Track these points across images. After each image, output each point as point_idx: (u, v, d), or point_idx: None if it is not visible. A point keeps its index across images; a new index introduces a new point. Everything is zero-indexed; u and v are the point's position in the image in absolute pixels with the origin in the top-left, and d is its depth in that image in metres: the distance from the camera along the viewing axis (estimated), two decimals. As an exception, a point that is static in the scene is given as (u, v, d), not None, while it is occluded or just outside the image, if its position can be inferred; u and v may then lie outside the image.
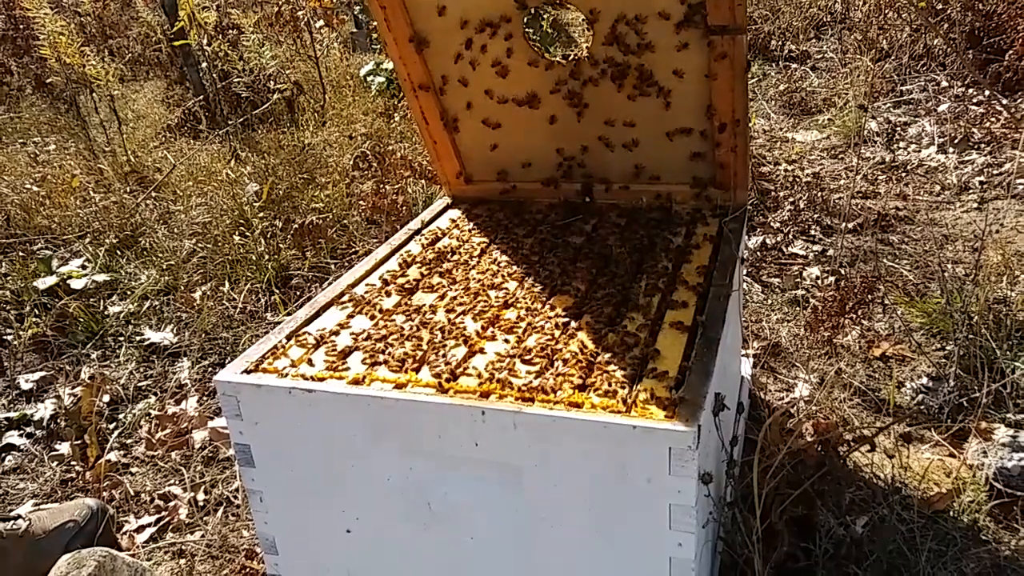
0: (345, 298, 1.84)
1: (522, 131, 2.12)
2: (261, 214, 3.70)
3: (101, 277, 3.44)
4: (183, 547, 2.09)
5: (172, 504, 2.25)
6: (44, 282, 3.36)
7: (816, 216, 3.64)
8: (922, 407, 2.35)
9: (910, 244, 3.43)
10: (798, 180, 3.99)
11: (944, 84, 5.14)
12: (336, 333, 1.68)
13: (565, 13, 6.24)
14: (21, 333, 3.11)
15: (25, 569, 1.95)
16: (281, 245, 3.51)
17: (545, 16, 5.37)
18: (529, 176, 2.20)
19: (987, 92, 4.78)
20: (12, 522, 1.99)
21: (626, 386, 1.40)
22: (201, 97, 5.40)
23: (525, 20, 1.97)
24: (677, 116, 1.91)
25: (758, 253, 3.38)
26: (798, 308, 2.96)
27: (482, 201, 2.35)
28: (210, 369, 2.88)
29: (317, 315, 1.77)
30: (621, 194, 2.11)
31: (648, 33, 1.79)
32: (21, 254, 3.74)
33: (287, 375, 1.53)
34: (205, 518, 2.18)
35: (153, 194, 4.22)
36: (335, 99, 5.31)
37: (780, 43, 6.25)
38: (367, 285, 1.90)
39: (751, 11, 6.34)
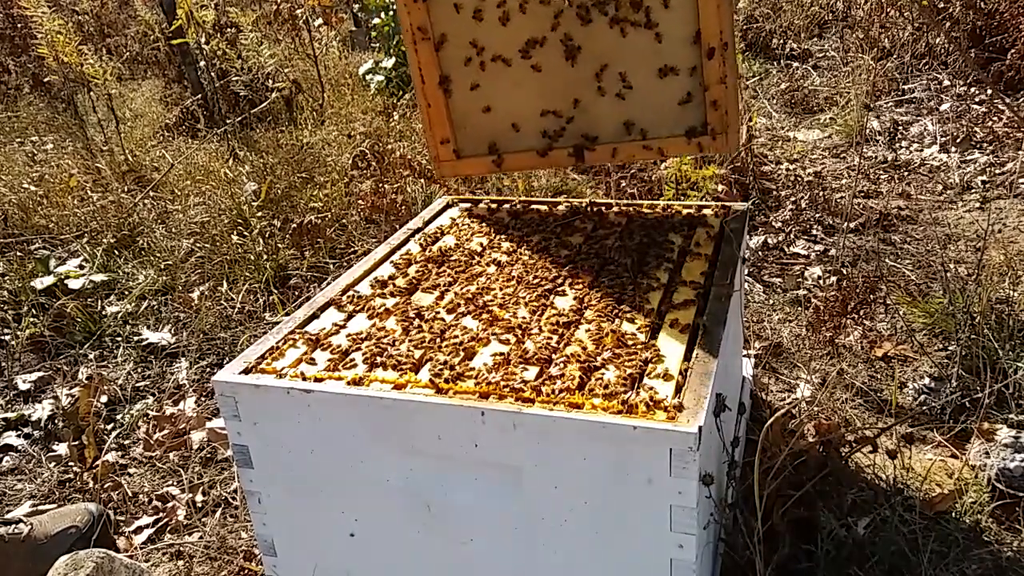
0: (344, 298, 1.82)
1: (514, 89, 2.05)
2: (259, 213, 3.69)
3: (99, 277, 3.43)
4: (181, 548, 2.08)
5: (170, 505, 2.24)
6: (42, 282, 3.35)
7: (818, 215, 3.63)
8: (924, 408, 2.34)
9: (912, 244, 3.42)
10: (800, 179, 3.98)
11: (946, 83, 5.13)
12: (335, 333, 1.67)
13: None
14: (19, 333, 3.10)
15: (25, 573, 1.94)
16: (280, 245, 3.50)
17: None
18: (519, 144, 2.12)
19: (989, 91, 4.77)
20: (14, 526, 1.98)
21: (627, 387, 1.39)
22: (199, 96, 5.39)
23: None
24: (666, 51, 1.89)
25: (759, 253, 3.37)
26: (800, 308, 2.95)
27: (476, 194, 2.34)
28: (208, 369, 2.87)
29: (316, 315, 1.76)
30: (612, 154, 2.03)
31: None
32: (19, 254, 3.73)
33: (286, 375, 1.52)
34: (203, 519, 2.17)
35: (151, 193, 4.20)
36: (334, 98, 5.30)
37: (782, 42, 6.24)
38: (366, 285, 1.89)
39: (752, 10, 6.33)
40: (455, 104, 2.13)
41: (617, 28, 1.89)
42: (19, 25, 6.35)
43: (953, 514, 1.94)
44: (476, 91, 2.08)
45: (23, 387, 2.86)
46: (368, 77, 5.52)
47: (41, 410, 2.71)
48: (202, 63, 5.38)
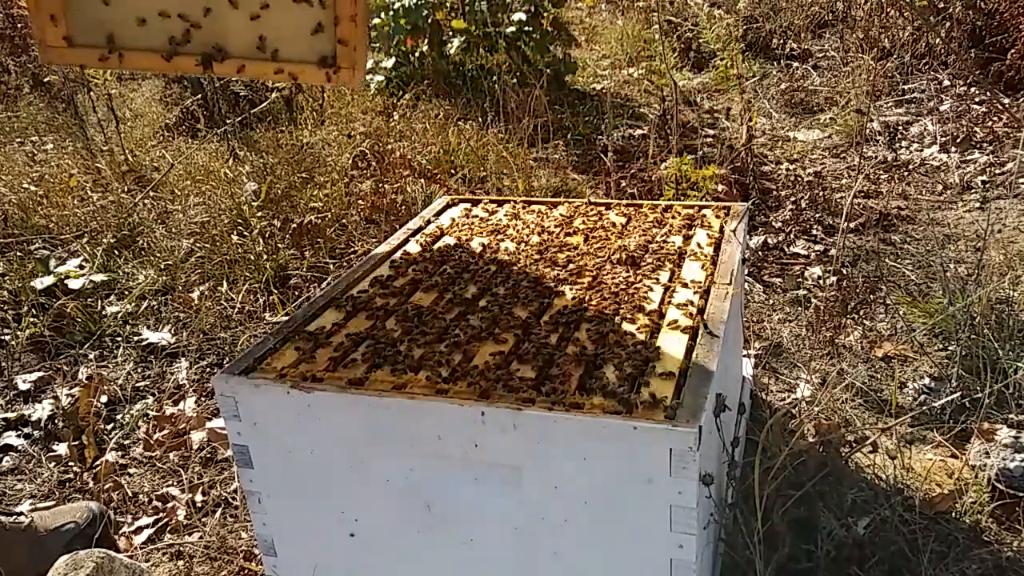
0: (344, 298, 1.82)
1: None
2: (259, 213, 3.69)
3: (99, 277, 3.42)
4: (181, 548, 2.08)
5: (170, 505, 2.24)
6: (42, 282, 3.35)
7: (818, 215, 3.63)
8: (924, 408, 2.34)
9: (912, 244, 3.42)
10: (800, 179, 3.98)
11: (946, 83, 5.13)
12: (335, 333, 1.67)
13: (565, 11, 6.23)
14: (19, 333, 3.10)
15: (26, 566, 1.94)
16: (279, 245, 3.50)
17: (545, 16, 5.36)
18: (142, 41, 1.92)
19: (989, 91, 4.76)
20: (15, 516, 1.98)
21: (627, 387, 1.39)
22: (199, 96, 5.38)
23: None
24: None
25: (760, 253, 3.37)
26: (800, 308, 2.95)
27: (476, 194, 2.33)
28: (208, 369, 2.87)
29: (316, 315, 1.76)
30: (239, 70, 1.94)
31: None
32: (18, 254, 3.73)
33: (285, 375, 1.52)
34: (203, 519, 2.17)
35: (151, 193, 4.20)
36: (334, 98, 5.30)
37: (781, 42, 6.24)
38: (366, 285, 1.89)
39: (752, 10, 6.33)
40: None
41: None
42: (19, 25, 6.34)
43: (953, 514, 1.94)
44: None
45: (23, 387, 2.86)
46: (368, 77, 5.52)
47: (41, 410, 2.71)
48: (202, 63, 5.37)
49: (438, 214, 2.35)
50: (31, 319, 3.17)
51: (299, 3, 1.88)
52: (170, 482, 2.34)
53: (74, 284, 3.37)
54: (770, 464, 1.68)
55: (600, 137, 4.69)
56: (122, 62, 1.94)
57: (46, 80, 5.59)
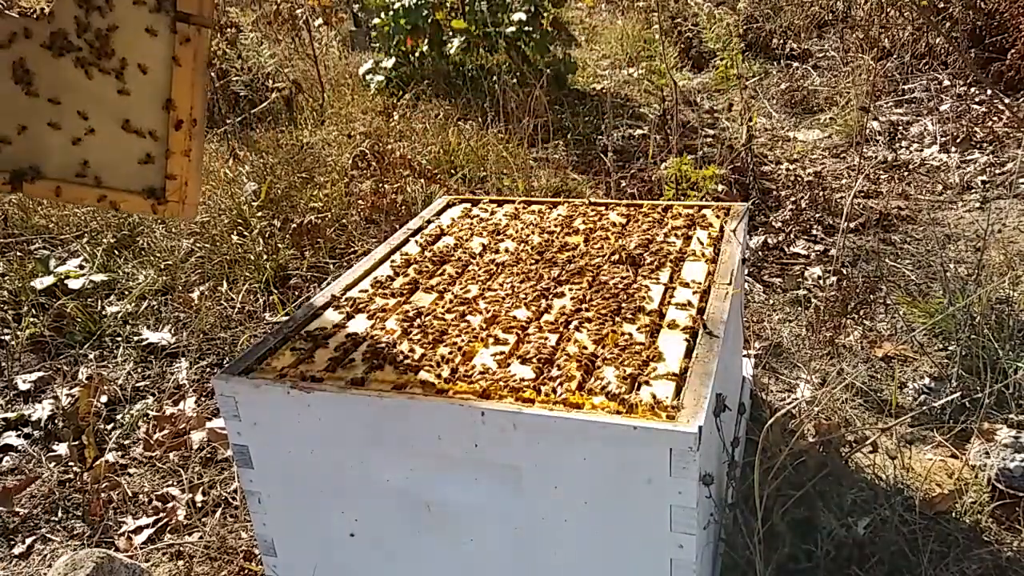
0: (344, 298, 1.82)
1: None
2: (259, 213, 3.69)
3: (99, 277, 3.42)
4: (181, 548, 2.08)
5: (170, 505, 2.24)
6: (42, 282, 3.35)
7: (818, 215, 3.62)
8: (924, 408, 2.34)
9: (912, 244, 3.42)
10: (800, 179, 3.98)
11: (946, 83, 5.13)
12: (335, 333, 1.67)
13: (565, 11, 6.23)
14: (19, 333, 3.10)
15: None
16: (279, 245, 3.50)
17: (545, 16, 5.36)
18: None
19: (989, 91, 4.76)
20: None
21: (627, 387, 1.39)
22: (200, 96, 5.37)
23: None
24: (134, 108, 1.76)
25: (760, 253, 3.37)
26: (800, 308, 2.95)
27: (476, 194, 2.33)
28: (208, 369, 2.87)
29: (316, 315, 1.76)
30: (56, 192, 1.74)
31: (117, 8, 1.67)
32: (19, 254, 3.73)
33: (286, 376, 1.52)
34: (203, 519, 2.17)
35: (152, 193, 4.19)
36: (334, 98, 5.30)
37: (782, 41, 6.24)
38: (366, 285, 1.89)
39: (752, 10, 6.33)
40: None
41: (83, 69, 1.69)
42: (19, 25, 6.33)
43: (953, 514, 1.94)
44: None
45: (23, 387, 2.86)
46: (368, 77, 5.52)
47: (41, 410, 2.71)
48: (202, 63, 5.37)
49: (438, 214, 2.35)
50: (31, 319, 3.17)
51: (129, 133, 1.76)
52: (170, 482, 2.34)
53: (74, 284, 3.37)
54: (770, 464, 1.68)
55: (600, 137, 4.69)
56: None
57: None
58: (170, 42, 1.72)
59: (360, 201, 3.79)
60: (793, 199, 3.73)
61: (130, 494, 2.29)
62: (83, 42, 1.67)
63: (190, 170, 1.81)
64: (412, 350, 1.56)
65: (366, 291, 1.85)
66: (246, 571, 1.98)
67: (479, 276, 1.87)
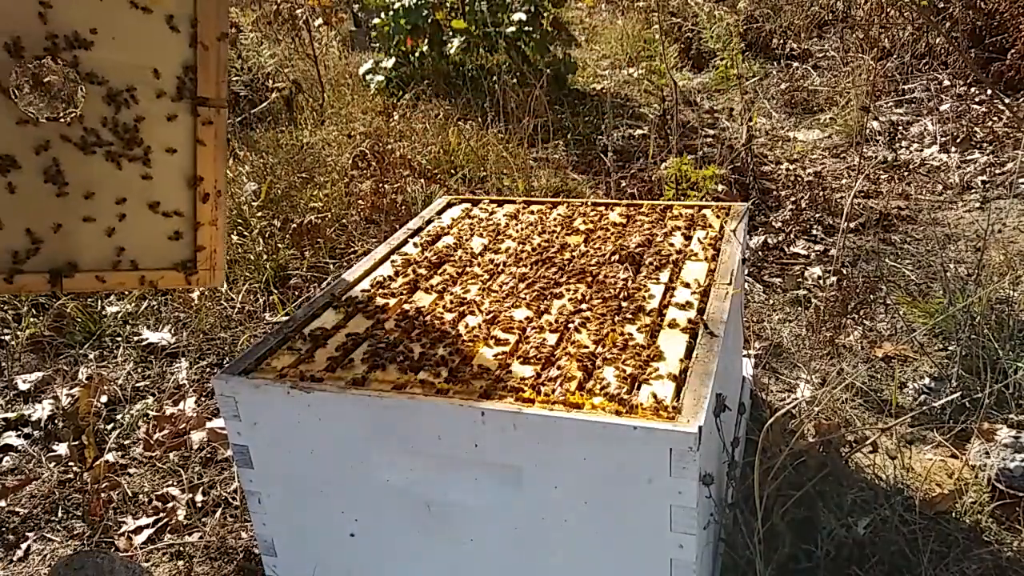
0: (344, 298, 1.82)
1: None
2: (259, 213, 3.69)
3: (99, 277, 3.42)
4: (181, 548, 2.08)
5: (170, 505, 2.24)
6: (42, 282, 3.34)
7: (818, 215, 3.62)
8: (924, 408, 2.34)
9: (912, 244, 3.42)
10: (800, 179, 3.98)
11: (946, 83, 5.13)
12: (335, 333, 1.67)
13: (565, 11, 6.24)
14: (19, 333, 3.10)
15: None
16: (279, 245, 3.50)
17: (545, 16, 5.36)
18: None
19: (989, 91, 4.76)
20: None
21: (627, 387, 1.39)
22: (200, 96, 5.37)
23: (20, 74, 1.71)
24: (160, 190, 1.86)
25: (760, 253, 3.37)
26: (800, 308, 2.95)
27: (476, 194, 2.33)
28: (208, 369, 2.87)
29: (316, 315, 1.76)
30: (99, 281, 1.82)
31: (141, 101, 1.78)
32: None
33: (286, 376, 1.52)
34: (203, 519, 2.17)
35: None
36: (334, 98, 5.30)
37: (781, 42, 6.24)
38: (366, 285, 1.89)
39: (752, 11, 6.33)
40: None
41: (113, 162, 1.78)
42: None
43: (953, 514, 1.94)
44: None
45: (23, 387, 2.86)
46: (368, 77, 5.52)
47: (41, 410, 2.71)
48: (202, 63, 5.37)
49: (438, 214, 2.35)
50: (31, 319, 3.17)
51: (157, 214, 1.85)
52: (170, 482, 2.34)
53: (74, 284, 3.37)
54: (770, 464, 1.68)
55: (600, 137, 4.69)
56: None
57: (45, 80, 5.58)
58: (190, 125, 1.84)
59: (360, 201, 3.79)
60: (793, 199, 3.73)
61: (130, 494, 2.29)
62: (113, 136, 1.76)
63: (217, 238, 1.93)
64: (412, 350, 1.56)
65: (366, 291, 1.85)
66: (246, 571, 1.98)
67: (479, 276, 1.87)
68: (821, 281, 3.09)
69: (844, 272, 3.11)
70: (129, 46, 1.74)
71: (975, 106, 4.75)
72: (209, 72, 1.83)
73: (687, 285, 1.75)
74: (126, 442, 2.55)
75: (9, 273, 1.71)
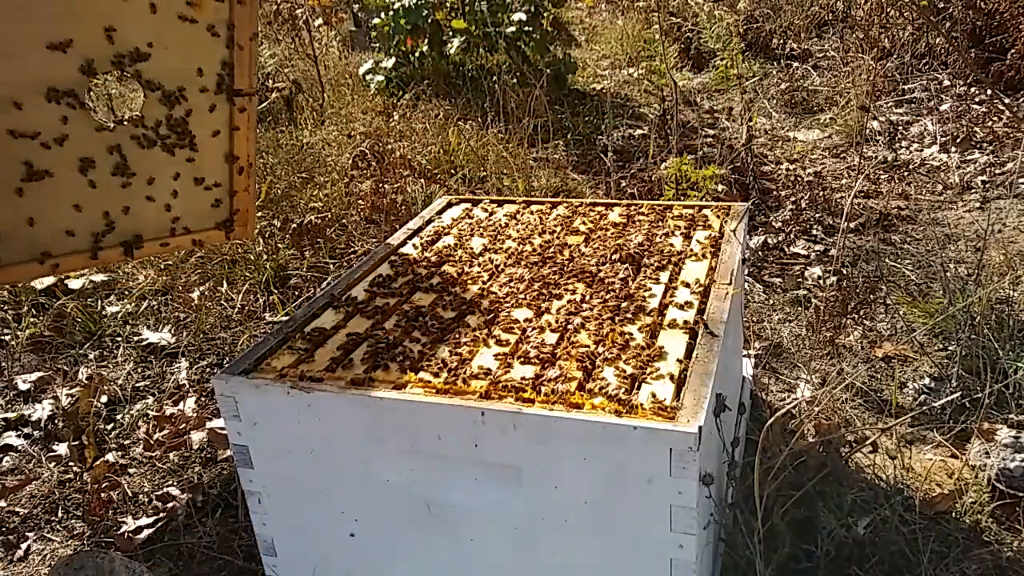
0: (344, 298, 1.82)
1: (68, 200, 2.00)
2: (259, 213, 3.69)
3: (99, 277, 3.42)
4: (181, 548, 2.08)
5: (170, 505, 2.24)
6: (42, 282, 3.35)
7: (818, 215, 3.62)
8: (924, 408, 2.34)
9: (912, 244, 3.42)
10: (800, 179, 3.98)
11: (946, 83, 5.13)
12: (335, 333, 1.67)
13: (565, 11, 6.24)
14: (19, 333, 3.10)
15: None
16: (279, 245, 3.50)
17: (545, 16, 5.36)
18: (71, 246, 2.04)
19: (989, 91, 4.77)
20: None
21: (627, 387, 1.39)
22: (200, 96, 5.38)
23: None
24: (203, 166, 2.20)
25: (760, 253, 3.37)
26: (800, 308, 2.95)
27: (476, 194, 2.34)
28: (208, 370, 2.87)
29: (315, 315, 1.76)
30: (162, 246, 2.21)
31: (189, 98, 2.10)
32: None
33: (286, 376, 1.52)
34: (203, 519, 2.17)
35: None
36: (334, 98, 5.30)
37: (781, 42, 6.24)
38: (366, 285, 1.89)
39: (752, 10, 6.33)
40: None
41: (168, 151, 2.12)
42: None
43: (953, 514, 1.94)
44: (23, 199, 1.94)
45: (23, 387, 2.86)
46: (368, 77, 5.52)
47: (41, 410, 2.71)
48: (202, 63, 5.38)
49: (438, 214, 2.35)
50: (31, 319, 3.17)
51: (200, 187, 2.21)
52: (170, 482, 2.34)
53: (74, 284, 3.37)
54: (770, 464, 1.68)
55: (600, 137, 4.69)
56: (60, 268, 2.05)
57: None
58: (227, 111, 2.19)
59: (360, 201, 3.79)
60: (793, 199, 3.73)
61: (130, 494, 2.29)
62: (168, 130, 2.11)
63: (249, 201, 2.34)
64: (412, 350, 1.56)
65: (366, 291, 1.85)
66: (246, 571, 1.98)
67: (479, 276, 1.87)
68: (821, 281, 3.09)
69: (844, 272, 3.11)
70: (179, 53, 2.05)
71: (975, 106, 4.75)
72: (243, 67, 2.16)
73: (687, 285, 1.75)
74: (126, 442, 2.55)
75: (93, 251, 2.06)
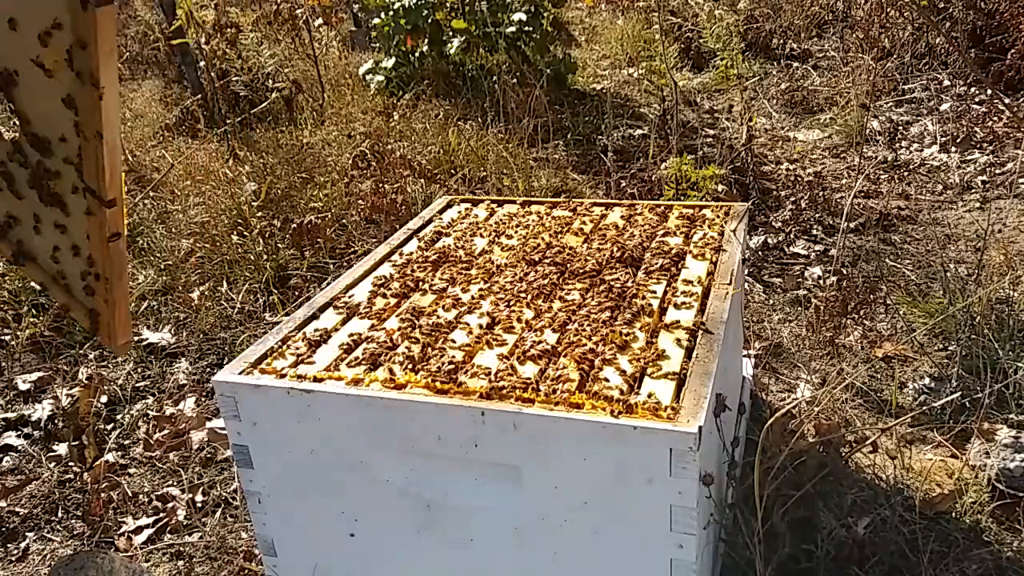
0: (344, 298, 1.82)
1: None
2: (259, 214, 3.69)
3: (99, 277, 3.42)
4: (181, 548, 2.08)
5: (170, 505, 2.24)
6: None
7: (818, 215, 3.62)
8: (924, 408, 2.34)
9: (912, 244, 3.42)
10: (800, 179, 3.98)
11: (946, 83, 5.12)
12: (335, 334, 1.67)
13: (565, 11, 6.23)
14: (19, 333, 3.10)
15: None
16: (279, 245, 3.50)
17: (545, 16, 5.36)
18: None
19: (989, 91, 4.76)
20: None
21: (627, 387, 1.39)
22: (199, 96, 5.38)
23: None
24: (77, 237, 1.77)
25: (760, 253, 3.37)
26: (800, 308, 2.95)
27: (476, 194, 2.34)
28: (208, 369, 2.87)
29: (316, 315, 1.76)
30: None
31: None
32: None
33: (286, 376, 1.52)
34: (203, 519, 2.17)
35: (151, 193, 4.20)
36: (334, 98, 5.30)
37: (781, 41, 6.24)
38: (366, 285, 1.89)
39: (752, 10, 6.32)
40: None
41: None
42: None
43: (953, 514, 1.94)
44: None
45: (23, 387, 2.86)
46: (368, 77, 5.52)
47: (41, 410, 2.71)
48: (202, 63, 5.38)
49: (438, 214, 2.35)
50: (31, 319, 3.17)
51: (77, 256, 1.72)
52: (170, 482, 2.34)
53: (74, 284, 3.36)
54: (770, 464, 1.68)
55: (600, 137, 4.68)
56: None
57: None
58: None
59: (360, 201, 3.79)
60: (793, 199, 3.73)
61: (130, 494, 2.29)
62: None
63: (111, 315, 1.79)
64: (412, 350, 1.56)
65: (366, 291, 1.85)
66: (246, 571, 1.98)
67: (479, 276, 1.87)
68: (821, 281, 3.09)
69: (844, 272, 3.11)
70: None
71: (975, 106, 4.75)
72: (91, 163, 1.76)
73: (687, 285, 1.75)
74: (126, 442, 2.55)
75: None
